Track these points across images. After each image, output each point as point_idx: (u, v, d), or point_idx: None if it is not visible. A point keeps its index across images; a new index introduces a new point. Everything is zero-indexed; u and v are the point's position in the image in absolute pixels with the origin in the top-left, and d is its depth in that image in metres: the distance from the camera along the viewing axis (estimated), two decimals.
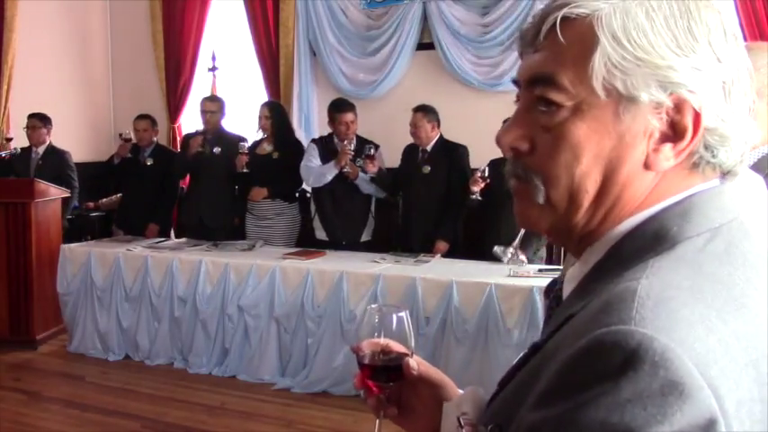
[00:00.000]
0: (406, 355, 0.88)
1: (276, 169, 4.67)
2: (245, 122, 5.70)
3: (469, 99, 5.31)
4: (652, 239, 0.60)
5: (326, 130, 4.79)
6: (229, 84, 6.34)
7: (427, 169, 4.38)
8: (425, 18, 5.46)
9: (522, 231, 3.39)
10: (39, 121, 5.25)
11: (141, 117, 5.27)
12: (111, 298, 4.44)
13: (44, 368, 4.34)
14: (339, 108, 4.54)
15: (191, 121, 6.31)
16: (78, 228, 5.61)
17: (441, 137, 4.45)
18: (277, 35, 5.96)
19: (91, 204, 6.01)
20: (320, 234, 4.64)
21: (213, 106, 4.99)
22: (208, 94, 5.94)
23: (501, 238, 3.84)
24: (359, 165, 4.41)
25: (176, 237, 5.27)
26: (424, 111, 4.39)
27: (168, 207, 5.38)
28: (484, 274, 3.63)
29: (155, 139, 5.34)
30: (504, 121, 0.75)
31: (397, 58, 5.54)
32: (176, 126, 6.54)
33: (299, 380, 3.92)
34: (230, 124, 5.20)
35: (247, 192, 4.81)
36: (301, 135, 5.53)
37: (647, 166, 0.61)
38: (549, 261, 4.02)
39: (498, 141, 0.67)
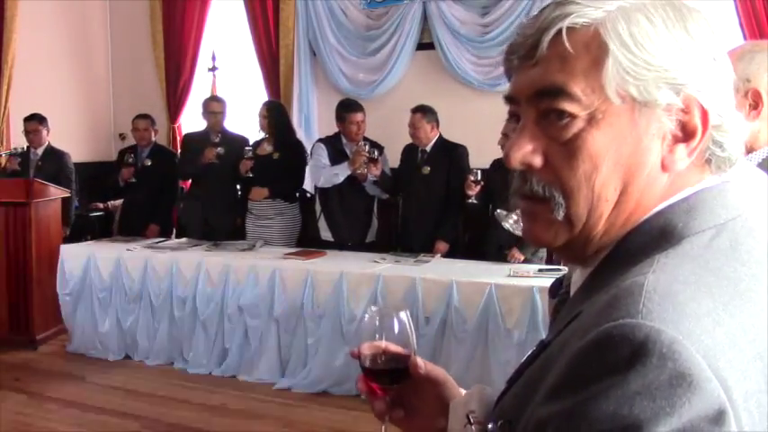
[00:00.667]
0: (409, 355, 0.88)
1: (277, 169, 4.66)
2: (245, 123, 5.70)
3: (469, 99, 5.32)
4: (658, 235, 0.60)
5: (326, 131, 4.78)
6: (229, 84, 6.34)
7: (427, 170, 4.38)
8: (425, 18, 5.46)
9: None
10: (38, 123, 5.25)
11: (141, 117, 5.29)
12: (111, 298, 4.44)
13: (44, 368, 4.33)
14: (349, 108, 4.52)
15: (190, 121, 6.31)
16: (78, 228, 5.60)
17: (440, 137, 4.44)
18: (277, 35, 5.96)
19: (100, 205, 6.01)
20: (326, 234, 4.62)
21: (218, 107, 4.99)
22: (208, 94, 5.94)
23: (501, 238, 3.84)
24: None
25: (177, 237, 5.27)
26: (423, 111, 4.38)
27: (168, 207, 5.38)
28: (484, 275, 3.63)
29: (153, 138, 5.34)
30: (505, 135, 0.74)
31: (396, 58, 5.54)
32: (176, 126, 6.55)
33: (299, 380, 3.92)
34: (230, 124, 5.19)
35: (248, 192, 4.81)
36: (301, 135, 5.53)
37: (663, 167, 0.62)
38: (550, 261, 4.02)
39: (507, 158, 0.65)
